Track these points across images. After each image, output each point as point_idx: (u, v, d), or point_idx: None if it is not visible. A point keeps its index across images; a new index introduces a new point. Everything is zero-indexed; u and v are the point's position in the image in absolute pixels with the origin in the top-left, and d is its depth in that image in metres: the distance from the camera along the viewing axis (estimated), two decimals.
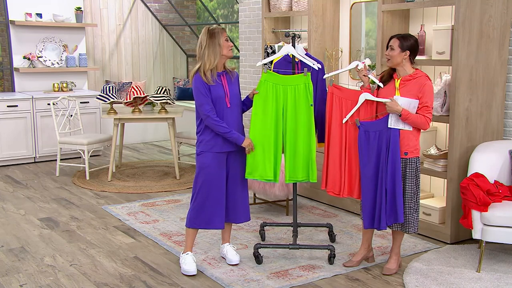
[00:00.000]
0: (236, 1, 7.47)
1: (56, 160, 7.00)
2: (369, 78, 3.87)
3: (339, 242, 4.48)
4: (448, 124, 4.49)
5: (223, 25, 9.46)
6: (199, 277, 3.85)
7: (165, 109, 6.63)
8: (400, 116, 3.69)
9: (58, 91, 7.71)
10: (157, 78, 9.82)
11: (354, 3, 5.55)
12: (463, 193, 3.93)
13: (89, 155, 6.60)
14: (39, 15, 7.69)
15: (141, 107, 6.78)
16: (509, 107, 4.61)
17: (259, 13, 6.82)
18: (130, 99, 6.77)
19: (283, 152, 3.94)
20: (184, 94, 9.34)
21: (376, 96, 3.83)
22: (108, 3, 9.16)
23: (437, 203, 4.61)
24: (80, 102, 7.45)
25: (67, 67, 7.91)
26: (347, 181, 3.92)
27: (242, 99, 3.99)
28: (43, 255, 4.25)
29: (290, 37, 4.08)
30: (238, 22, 7.56)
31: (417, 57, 4.52)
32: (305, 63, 4.05)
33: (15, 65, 7.65)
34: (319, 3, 5.54)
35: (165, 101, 6.53)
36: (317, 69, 4.07)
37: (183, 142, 6.95)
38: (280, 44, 5.95)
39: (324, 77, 4.10)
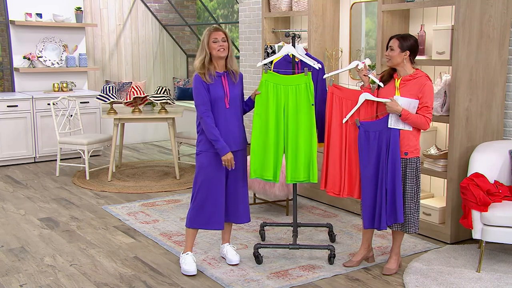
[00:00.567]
0: (236, 1, 7.47)
1: (56, 160, 7.00)
2: (369, 77, 3.87)
3: (339, 242, 4.48)
4: (448, 124, 4.49)
5: (223, 25, 9.46)
6: (199, 277, 3.85)
7: (165, 109, 6.63)
8: (400, 116, 3.69)
9: (58, 91, 7.71)
10: (157, 78, 9.82)
11: (354, 3, 5.55)
12: (463, 193, 3.93)
13: (89, 155, 6.60)
14: (39, 15, 7.69)
15: (141, 107, 6.78)
16: (509, 107, 4.61)
17: (259, 13, 6.82)
18: (130, 99, 6.77)
19: (284, 152, 3.93)
20: (184, 94, 9.34)
21: (377, 96, 3.83)
22: (108, 3, 9.16)
23: (437, 203, 4.61)
24: (80, 102, 7.45)
25: (67, 67, 7.91)
26: (347, 181, 3.92)
27: (245, 100, 3.99)
28: (43, 255, 4.25)
29: (290, 37, 4.08)
30: (238, 22, 7.56)
31: (417, 57, 4.51)
32: (305, 63, 4.05)
33: (15, 65, 7.65)
34: (319, 3, 5.54)
35: (165, 101, 6.53)
36: (317, 69, 4.07)
37: (183, 142, 6.95)
38: (280, 44, 5.95)
39: (324, 77, 4.10)
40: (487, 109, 4.47)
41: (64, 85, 7.75)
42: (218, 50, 3.73)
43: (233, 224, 4.12)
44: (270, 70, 3.94)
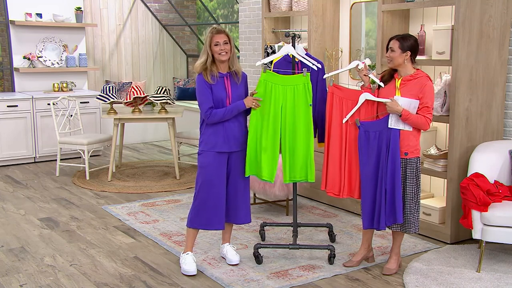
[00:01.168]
0: (236, 1, 7.48)
1: (56, 160, 7.00)
2: (369, 77, 3.87)
3: (339, 242, 4.48)
4: (448, 124, 4.49)
5: (223, 25, 9.46)
6: (199, 277, 3.85)
7: (165, 109, 6.63)
8: (400, 116, 3.69)
9: (58, 91, 7.71)
10: (157, 78, 9.82)
11: (354, 3, 5.55)
12: (463, 193, 3.93)
13: (89, 155, 6.60)
14: (39, 15, 7.69)
15: (141, 107, 6.78)
16: (509, 107, 4.61)
17: (259, 13, 6.82)
18: (130, 99, 6.77)
19: (280, 152, 3.93)
20: (184, 94, 9.34)
21: (377, 96, 3.83)
22: (108, 3, 9.16)
23: (437, 203, 4.61)
24: (80, 102, 7.45)
25: (67, 67, 7.91)
26: (347, 181, 3.92)
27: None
28: (43, 255, 4.25)
29: (290, 37, 4.08)
30: (238, 22, 7.56)
31: (417, 57, 4.52)
32: (305, 63, 4.05)
33: (15, 65, 7.65)
34: (319, 3, 5.54)
35: (165, 101, 6.53)
36: (316, 69, 4.07)
37: (183, 142, 6.95)
38: (280, 44, 5.96)
39: (324, 77, 4.09)
40: (487, 109, 4.47)
41: (64, 85, 7.75)
42: (220, 54, 3.73)
43: (234, 224, 4.12)
44: (269, 69, 3.94)
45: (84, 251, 4.34)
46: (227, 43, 3.74)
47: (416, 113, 3.72)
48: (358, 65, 3.91)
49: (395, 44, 3.74)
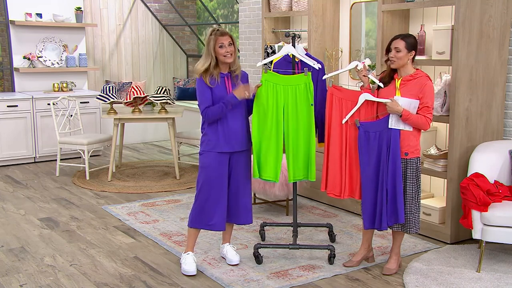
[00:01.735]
0: (236, 1, 7.48)
1: (56, 160, 7.00)
2: (369, 78, 3.86)
3: (339, 242, 4.48)
4: (448, 124, 4.49)
5: (223, 25, 9.46)
6: (199, 277, 3.85)
7: (165, 109, 6.63)
8: (400, 116, 3.68)
9: (58, 91, 7.71)
10: (157, 78, 9.82)
11: (354, 3, 5.55)
12: (463, 193, 3.93)
13: (89, 155, 6.60)
14: (39, 15, 7.69)
15: (141, 107, 6.78)
16: (509, 107, 4.61)
17: (259, 13, 6.82)
18: (130, 99, 6.77)
19: (284, 152, 3.93)
20: (184, 94, 9.34)
21: (377, 97, 3.83)
22: (108, 3, 9.16)
23: (437, 203, 4.61)
24: (80, 102, 7.45)
25: (67, 67, 7.91)
26: (348, 182, 3.91)
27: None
28: (43, 255, 4.25)
29: (290, 37, 4.08)
30: (238, 22, 7.56)
31: (417, 57, 4.52)
32: (305, 63, 4.05)
33: (15, 65, 7.65)
34: (319, 3, 5.54)
35: (165, 101, 6.53)
36: (317, 69, 4.07)
37: (183, 142, 6.95)
38: (280, 44, 5.96)
39: (324, 77, 4.09)
40: (487, 109, 4.47)
41: (64, 85, 7.75)
42: (225, 56, 3.71)
43: (235, 224, 4.12)
44: (270, 70, 3.94)
45: (84, 251, 4.34)
46: (231, 45, 3.72)
47: (416, 113, 3.71)
48: (357, 65, 3.90)
49: (400, 44, 3.71)
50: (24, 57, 7.64)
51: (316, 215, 5.20)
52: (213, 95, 3.74)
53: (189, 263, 3.88)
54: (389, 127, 3.73)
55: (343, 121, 3.88)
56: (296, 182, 4.05)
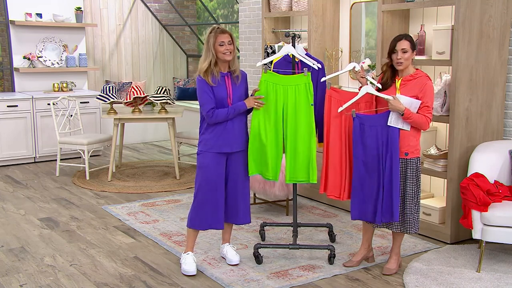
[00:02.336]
0: (236, 1, 7.48)
1: (56, 160, 7.00)
2: (367, 79, 3.85)
3: (339, 242, 4.48)
4: (448, 124, 4.49)
5: (223, 25, 9.46)
6: (199, 277, 3.85)
7: (165, 109, 6.63)
8: (402, 115, 3.67)
9: (58, 91, 7.71)
10: (157, 78, 9.82)
11: (354, 3, 5.55)
12: (463, 193, 3.93)
13: (89, 155, 6.60)
14: (39, 15, 7.69)
15: (141, 107, 6.78)
16: (509, 107, 4.61)
17: (259, 13, 6.82)
18: (130, 99, 6.77)
19: (283, 152, 3.93)
20: (184, 94, 9.34)
21: (376, 97, 3.82)
22: (108, 3, 9.16)
23: (437, 203, 4.61)
24: (80, 102, 7.45)
25: (67, 67, 7.91)
26: (347, 183, 3.90)
27: None
28: (43, 255, 4.25)
29: (290, 37, 4.08)
30: (238, 22, 7.56)
31: (417, 57, 4.53)
32: (305, 63, 4.05)
33: (15, 65, 7.65)
34: (319, 3, 5.54)
35: (165, 101, 6.53)
36: (317, 69, 4.06)
37: (183, 142, 6.95)
38: (280, 44, 5.96)
39: (322, 80, 4.06)
40: (487, 109, 4.47)
41: (64, 85, 7.75)
42: (224, 54, 3.71)
43: (234, 224, 4.12)
44: (270, 70, 3.94)
45: (84, 251, 4.34)
46: (231, 43, 3.73)
47: (417, 112, 3.71)
48: (354, 67, 3.88)
49: (406, 45, 3.68)
50: (24, 57, 7.65)
51: (316, 215, 5.20)
52: (214, 95, 3.74)
53: (189, 263, 3.88)
54: (388, 124, 3.71)
55: (339, 110, 3.82)
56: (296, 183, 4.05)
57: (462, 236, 4.48)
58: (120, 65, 9.38)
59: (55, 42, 7.88)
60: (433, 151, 4.53)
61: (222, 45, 3.70)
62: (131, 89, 7.20)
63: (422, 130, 3.81)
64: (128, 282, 3.79)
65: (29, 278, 3.84)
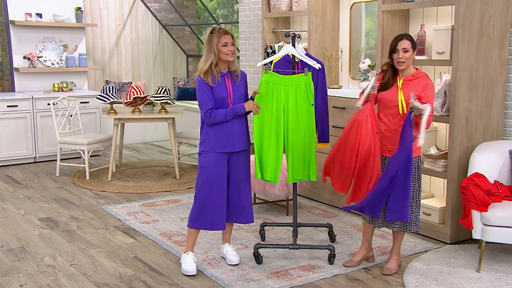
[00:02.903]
0: (236, 1, 7.48)
1: (56, 160, 7.00)
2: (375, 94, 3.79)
3: (339, 242, 4.48)
4: (448, 124, 4.49)
5: (223, 25, 9.46)
6: (199, 277, 3.85)
7: (165, 109, 6.63)
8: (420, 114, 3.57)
9: (58, 91, 7.71)
10: (157, 78, 9.82)
11: (354, 3, 5.55)
12: (463, 193, 3.93)
13: (89, 155, 6.60)
14: (39, 15, 7.69)
15: (141, 107, 6.78)
16: (509, 107, 4.61)
17: (259, 13, 6.82)
18: (130, 99, 6.77)
19: (284, 152, 3.93)
20: (184, 94, 9.34)
21: (376, 97, 3.81)
22: (108, 3, 9.16)
23: (437, 203, 4.61)
24: (80, 102, 7.45)
25: (67, 67, 7.90)
26: (353, 186, 3.82)
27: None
28: (43, 255, 4.25)
29: (290, 37, 4.08)
30: (238, 22, 7.56)
31: (417, 57, 4.53)
32: (305, 63, 4.04)
33: (15, 65, 7.65)
34: (319, 3, 5.54)
35: (165, 101, 6.53)
36: (317, 68, 4.06)
37: (183, 142, 6.95)
38: (280, 44, 5.95)
39: (357, 105, 3.78)
40: (487, 109, 4.47)
41: (64, 85, 7.75)
42: (227, 55, 3.72)
43: (234, 224, 4.12)
44: (270, 70, 3.94)
45: (84, 251, 4.34)
46: (233, 44, 3.74)
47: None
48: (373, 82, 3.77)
49: (407, 44, 3.68)
50: (24, 57, 7.64)
51: (316, 215, 5.20)
52: (214, 95, 3.74)
53: (189, 263, 3.88)
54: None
55: (358, 105, 3.71)
56: (296, 182, 4.05)
57: (462, 236, 4.48)
58: (120, 65, 9.38)
59: (55, 42, 7.88)
60: (433, 151, 4.53)
61: (226, 46, 3.70)
62: (131, 89, 7.20)
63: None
64: (128, 282, 3.79)
65: (29, 278, 3.84)
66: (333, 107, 5.22)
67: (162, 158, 7.81)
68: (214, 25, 3.79)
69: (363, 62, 5.29)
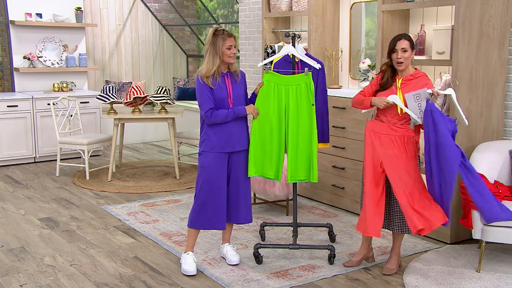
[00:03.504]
0: (236, 1, 7.48)
1: (56, 160, 7.00)
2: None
3: (339, 242, 4.48)
4: None
5: (223, 25, 9.46)
6: (199, 277, 3.85)
7: (165, 109, 6.63)
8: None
9: (58, 91, 7.71)
10: (157, 78, 9.82)
11: (354, 3, 5.55)
12: (463, 193, 3.93)
13: (89, 155, 6.60)
14: (39, 15, 7.69)
15: (141, 107, 6.78)
16: (509, 107, 4.61)
17: (259, 13, 6.82)
18: (130, 99, 6.77)
19: (285, 152, 3.94)
20: (184, 94, 9.34)
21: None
22: (108, 3, 9.16)
23: None
24: (80, 102, 7.45)
25: (67, 67, 7.91)
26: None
27: (249, 97, 3.99)
28: (43, 255, 4.25)
29: (290, 37, 4.08)
30: (238, 22, 7.56)
31: (417, 57, 4.53)
32: (305, 63, 4.05)
33: (15, 65, 7.65)
34: (319, 3, 5.54)
35: (165, 101, 6.53)
36: (317, 68, 4.06)
37: (183, 142, 6.95)
38: (280, 44, 5.96)
39: (413, 124, 3.78)
40: (487, 109, 4.47)
41: (64, 85, 7.76)
42: (230, 57, 3.73)
43: (234, 224, 4.12)
44: (271, 70, 3.94)
45: (84, 251, 4.34)
46: (235, 47, 3.77)
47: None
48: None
49: (406, 44, 3.68)
50: (24, 57, 7.65)
51: (316, 215, 5.20)
52: (214, 95, 3.74)
53: (189, 263, 3.89)
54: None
55: (367, 116, 3.76)
56: (296, 182, 4.05)
57: (462, 236, 4.48)
58: (120, 65, 9.38)
59: (55, 42, 7.88)
60: None
61: (230, 48, 3.71)
62: (131, 89, 7.20)
63: (421, 130, 3.82)
64: (128, 282, 3.79)
65: (29, 278, 3.84)
66: (333, 107, 5.22)
67: (162, 158, 7.81)
68: (216, 26, 3.79)
69: (363, 62, 5.29)
